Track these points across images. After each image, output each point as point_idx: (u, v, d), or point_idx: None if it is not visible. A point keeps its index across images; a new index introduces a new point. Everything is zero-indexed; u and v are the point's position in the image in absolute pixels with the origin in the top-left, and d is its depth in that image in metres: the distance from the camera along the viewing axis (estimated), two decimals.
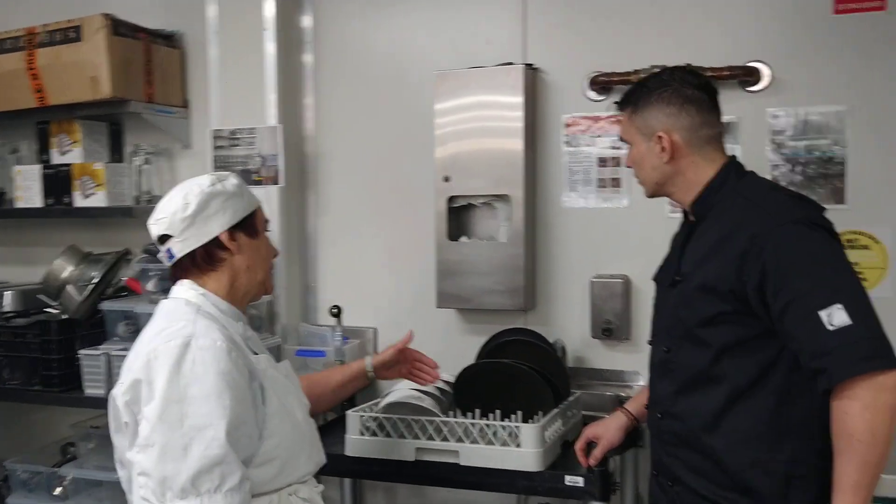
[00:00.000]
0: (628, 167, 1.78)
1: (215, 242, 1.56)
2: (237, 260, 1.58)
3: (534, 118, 2.64)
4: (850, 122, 2.35)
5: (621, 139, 1.77)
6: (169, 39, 3.06)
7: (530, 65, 2.62)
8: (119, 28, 2.80)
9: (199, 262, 1.57)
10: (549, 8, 2.65)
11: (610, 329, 2.55)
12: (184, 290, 1.57)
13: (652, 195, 1.75)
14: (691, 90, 1.65)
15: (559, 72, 2.65)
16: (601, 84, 2.57)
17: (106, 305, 2.76)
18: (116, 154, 3.17)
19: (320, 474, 1.73)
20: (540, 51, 2.66)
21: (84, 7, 2.88)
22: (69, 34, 2.77)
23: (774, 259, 1.47)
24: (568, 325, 2.65)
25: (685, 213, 1.75)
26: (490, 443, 1.95)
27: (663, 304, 1.72)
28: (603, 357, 2.63)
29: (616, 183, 2.59)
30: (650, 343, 1.77)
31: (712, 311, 1.55)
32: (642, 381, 2.57)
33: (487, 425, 1.96)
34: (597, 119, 2.60)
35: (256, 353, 1.58)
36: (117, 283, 2.94)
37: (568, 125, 2.64)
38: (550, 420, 1.99)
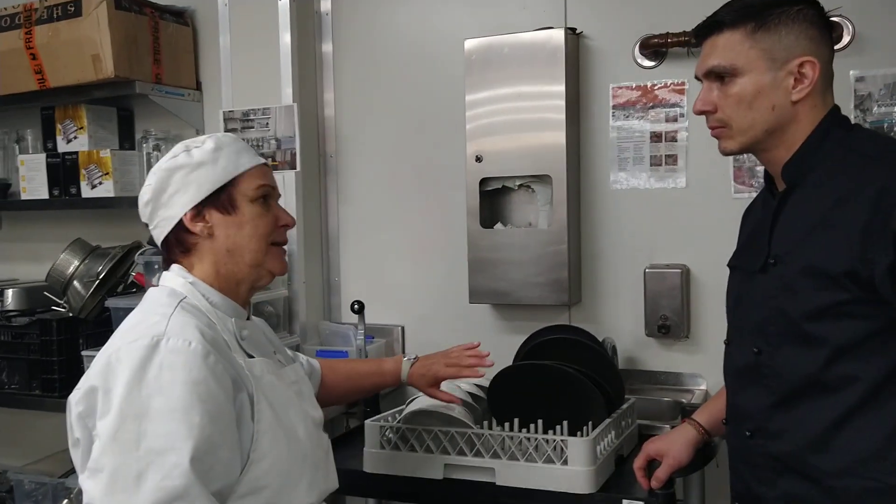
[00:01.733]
0: (702, 112, 1.36)
1: (181, 226, 1.33)
2: (214, 243, 1.33)
3: (577, 89, 2.35)
4: None
5: (714, 70, 1.32)
6: (179, 16, 2.84)
7: (573, 29, 2.32)
8: (122, 2, 2.58)
9: (173, 250, 1.36)
10: None
11: (667, 326, 2.24)
12: (172, 276, 1.35)
13: (742, 149, 1.36)
14: (823, 14, 1.31)
15: (605, 36, 2.35)
16: (653, 48, 2.26)
17: (111, 302, 2.54)
18: (127, 141, 2.96)
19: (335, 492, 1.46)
20: (582, 13, 2.37)
21: None
22: (68, 9, 2.56)
23: None
24: (618, 321, 2.36)
25: (769, 181, 1.42)
26: (531, 459, 1.67)
27: (749, 295, 1.38)
28: (659, 358, 2.32)
29: (672, 160, 2.28)
30: (727, 343, 1.46)
31: (825, 300, 1.23)
32: (704, 384, 2.27)
33: (528, 438, 1.67)
34: (649, 88, 2.30)
35: (252, 357, 1.31)
36: (127, 278, 2.74)
37: (616, 96, 2.34)
38: (603, 432, 1.69)
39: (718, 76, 1.34)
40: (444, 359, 1.71)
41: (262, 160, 1.40)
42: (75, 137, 2.84)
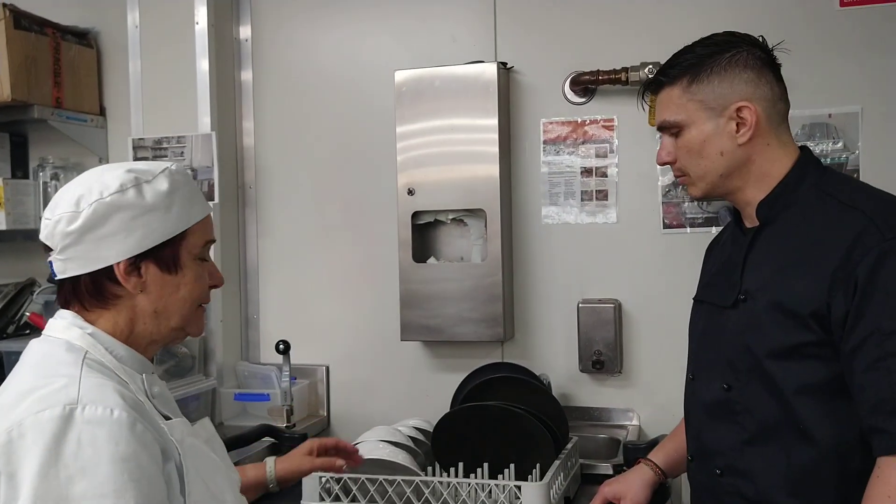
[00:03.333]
0: (664, 163, 1.41)
1: (107, 273, 1.11)
2: (140, 300, 1.12)
3: (508, 123, 2.34)
4: (863, 124, 2.11)
5: (663, 125, 1.39)
6: (82, 38, 2.66)
7: (504, 63, 2.31)
8: (21, 21, 2.40)
9: (82, 294, 1.12)
10: (521, 1, 2.35)
11: (601, 361, 2.24)
12: (64, 326, 1.11)
13: (705, 195, 1.39)
14: (763, 53, 1.34)
15: (534, 71, 2.35)
16: (584, 84, 2.28)
17: (2, 346, 2.31)
18: (20, 169, 2.72)
19: None
20: (512, 48, 2.36)
21: None
22: None
23: (866, 281, 1.17)
24: (551, 357, 2.33)
25: (736, 217, 1.43)
26: None
27: (718, 331, 1.37)
28: (592, 393, 2.31)
29: (603, 195, 2.30)
30: (691, 378, 1.45)
31: (790, 339, 1.23)
32: (636, 419, 2.27)
33: (480, 485, 1.60)
34: (580, 124, 2.31)
35: (169, 418, 1.12)
36: (20, 319, 2.51)
37: (547, 131, 2.34)
38: (554, 474, 1.64)
39: (669, 129, 1.38)
40: (308, 457, 1.53)
41: (210, 207, 1.22)
42: None
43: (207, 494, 1.09)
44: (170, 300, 1.14)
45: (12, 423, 0.98)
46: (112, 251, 1.10)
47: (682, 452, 1.49)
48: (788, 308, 1.24)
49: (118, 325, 1.13)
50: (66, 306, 1.14)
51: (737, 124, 1.32)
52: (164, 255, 1.13)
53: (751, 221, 1.37)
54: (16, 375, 1.08)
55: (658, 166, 2.19)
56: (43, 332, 1.13)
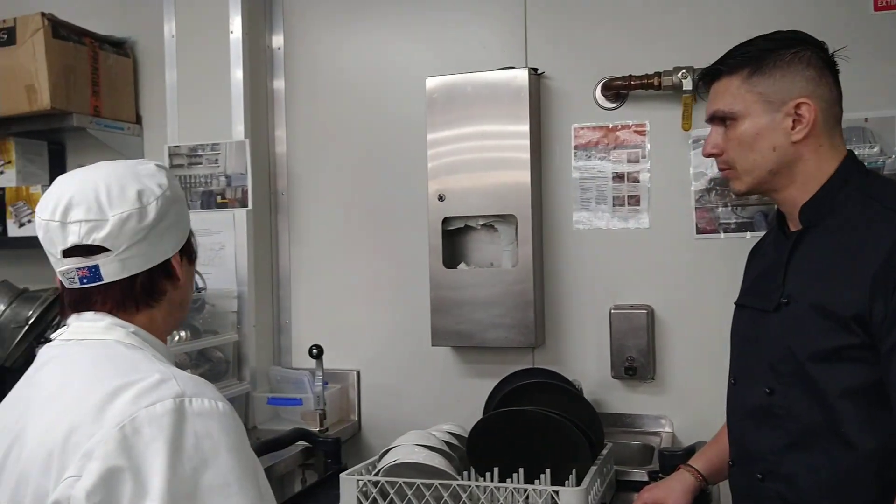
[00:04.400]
0: (710, 155, 1.40)
1: (163, 267, 1.12)
2: (174, 293, 1.15)
3: (539, 129, 2.34)
4: None
5: (715, 115, 1.37)
6: (119, 47, 2.70)
7: (534, 69, 2.32)
8: (60, 30, 2.44)
9: (136, 293, 1.10)
10: (551, 7, 2.36)
11: (634, 367, 2.23)
12: (105, 327, 1.07)
13: (750, 190, 1.38)
14: (825, 55, 1.34)
15: (565, 77, 2.35)
16: (615, 89, 2.28)
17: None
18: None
19: None
20: (543, 54, 2.37)
21: (18, 6, 2.51)
22: (1, 37, 2.39)
23: None
24: (583, 363, 2.33)
25: (779, 221, 1.42)
26: None
27: (761, 335, 1.37)
28: (624, 400, 2.30)
29: (635, 201, 2.29)
30: (733, 383, 1.44)
31: (832, 342, 1.23)
32: (669, 426, 2.25)
33: (517, 489, 1.60)
34: (611, 129, 2.31)
35: None
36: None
37: (578, 136, 2.34)
38: (592, 480, 1.64)
39: (722, 120, 1.37)
40: None
41: None
42: (2, 172, 2.65)
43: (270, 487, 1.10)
44: (187, 290, 1.20)
45: (120, 419, 0.95)
46: (170, 244, 1.13)
47: (724, 458, 1.48)
48: (830, 311, 1.23)
49: (155, 320, 1.14)
50: (90, 307, 1.09)
51: (793, 121, 1.31)
52: (190, 245, 1.19)
53: (794, 224, 1.37)
54: (71, 377, 1.04)
55: (691, 171, 2.22)
56: (70, 335, 1.09)
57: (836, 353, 1.23)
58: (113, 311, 1.10)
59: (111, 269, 1.08)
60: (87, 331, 1.08)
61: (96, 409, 0.97)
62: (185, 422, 0.97)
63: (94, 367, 1.04)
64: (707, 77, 1.41)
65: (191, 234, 1.20)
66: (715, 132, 1.39)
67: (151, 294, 1.13)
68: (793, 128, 1.31)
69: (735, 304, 1.49)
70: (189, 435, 0.96)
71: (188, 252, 1.18)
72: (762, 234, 1.67)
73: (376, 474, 1.71)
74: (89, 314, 1.09)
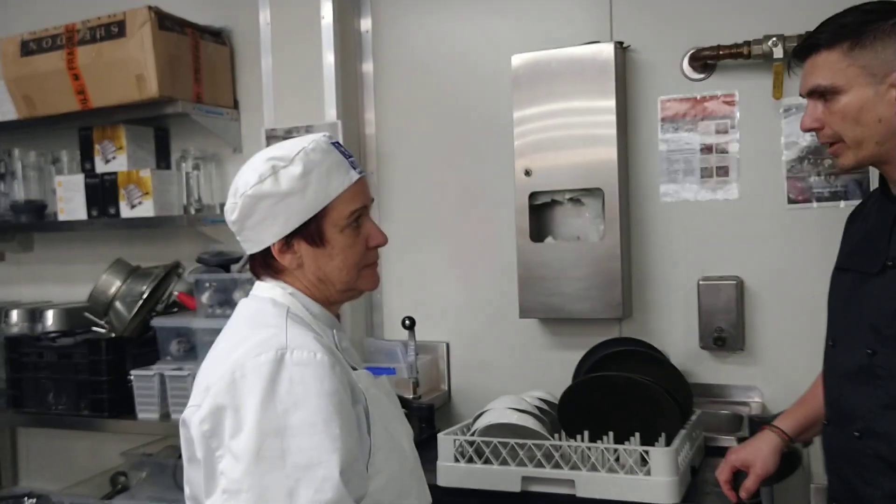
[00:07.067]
0: (810, 129, 1.38)
1: (268, 252, 1.29)
2: (304, 272, 1.28)
3: (625, 102, 2.36)
4: None
5: (815, 90, 1.36)
6: (217, 36, 2.85)
7: (620, 42, 2.34)
8: (165, 22, 2.59)
9: (257, 267, 1.33)
10: None
11: (723, 338, 2.23)
12: (269, 286, 1.30)
13: (858, 163, 1.38)
14: None
15: (651, 49, 2.36)
16: (703, 60, 2.27)
17: (157, 322, 2.52)
18: (163, 161, 2.95)
19: None
20: (628, 27, 2.38)
21: (125, 0, 2.67)
22: (112, 30, 2.56)
23: None
24: (670, 334, 2.34)
25: (882, 185, 1.41)
26: (612, 470, 1.65)
27: (863, 297, 1.37)
28: (712, 370, 2.30)
29: (723, 172, 2.29)
30: (832, 345, 1.45)
31: None
32: (759, 396, 2.25)
33: (608, 449, 1.65)
34: (699, 100, 2.31)
35: (355, 368, 1.29)
36: (168, 298, 2.72)
37: (665, 108, 2.34)
38: (681, 442, 1.67)
39: (821, 94, 1.36)
40: None
41: (356, 174, 1.29)
42: (114, 157, 2.82)
43: (388, 438, 1.24)
44: (327, 269, 1.28)
45: (234, 365, 1.14)
46: (267, 234, 1.26)
47: (812, 418, 1.50)
48: None
49: (307, 287, 1.29)
50: (256, 274, 1.33)
51: None
52: (310, 231, 1.26)
53: None
54: (230, 328, 1.26)
55: (782, 140, 2.20)
56: (251, 293, 1.33)
57: None
58: (272, 277, 1.31)
59: (243, 247, 1.32)
60: (258, 289, 1.33)
61: (226, 354, 1.18)
62: (282, 370, 1.13)
63: (242, 320, 1.28)
64: (804, 51, 1.39)
65: (324, 213, 1.25)
66: (813, 106, 1.38)
67: (268, 270, 1.31)
68: None
69: (835, 267, 1.49)
70: (284, 381, 1.12)
71: (309, 235, 1.26)
72: (856, 202, 1.65)
73: (472, 435, 1.78)
74: (262, 278, 1.33)
